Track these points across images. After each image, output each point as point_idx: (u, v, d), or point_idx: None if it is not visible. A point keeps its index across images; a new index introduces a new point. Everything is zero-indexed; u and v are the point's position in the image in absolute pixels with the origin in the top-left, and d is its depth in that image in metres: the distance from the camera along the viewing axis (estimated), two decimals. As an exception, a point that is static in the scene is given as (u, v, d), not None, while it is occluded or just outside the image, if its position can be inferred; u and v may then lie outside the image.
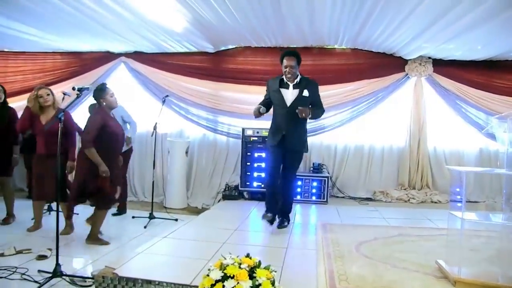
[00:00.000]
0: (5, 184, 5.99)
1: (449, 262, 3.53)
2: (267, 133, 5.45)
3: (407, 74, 7.80)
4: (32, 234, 5.37)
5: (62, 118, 3.98)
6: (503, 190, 3.64)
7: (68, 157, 5.48)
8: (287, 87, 5.12)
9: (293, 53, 5.12)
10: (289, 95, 5.09)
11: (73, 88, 4.41)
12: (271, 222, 5.14)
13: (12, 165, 6.03)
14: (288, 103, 5.07)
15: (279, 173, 5.23)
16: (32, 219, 5.81)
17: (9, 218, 5.95)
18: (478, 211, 3.89)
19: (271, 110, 5.30)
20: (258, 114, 5.06)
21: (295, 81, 5.09)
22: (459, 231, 3.41)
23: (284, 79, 5.11)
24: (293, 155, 5.21)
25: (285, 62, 5.03)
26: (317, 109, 5.19)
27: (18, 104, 7.88)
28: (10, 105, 6.25)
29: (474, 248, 4.13)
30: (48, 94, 5.42)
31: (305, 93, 5.06)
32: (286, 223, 5.31)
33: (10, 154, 5.93)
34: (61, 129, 4.01)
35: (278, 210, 5.23)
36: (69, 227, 5.51)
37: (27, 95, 8.06)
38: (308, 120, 7.77)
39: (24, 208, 6.44)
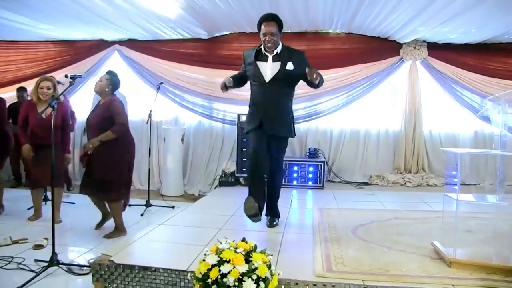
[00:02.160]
0: None
1: (445, 244, 3.54)
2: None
3: (402, 58, 7.78)
4: (28, 224, 5.37)
5: (55, 106, 3.95)
6: (497, 172, 3.65)
7: (64, 149, 5.46)
8: (265, 59, 4.27)
9: (273, 17, 4.22)
10: (268, 68, 4.25)
11: (66, 76, 4.37)
12: (255, 215, 4.05)
13: (3, 157, 6.01)
14: (267, 78, 4.23)
15: (265, 153, 4.30)
16: (28, 209, 5.86)
17: None
18: (473, 193, 3.90)
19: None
20: (224, 88, 4.25)
21: (275, 51, 4.25)
22: (454, 213, 3.42)
23: (262, 49, 4.30)
24: (276, 142, 4.39)
25: (263, 28, 4.17)
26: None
27: (13, 94, 7.85)
28: (4, 95, 6.20)
29: (469, 229, 4.16)
30: (49, 88, 5.30)
31: (290, 66, 4.19)
32: (276, 221, 4.63)
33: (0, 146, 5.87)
34: (54, 117, 3.99)
35: (268, 207, 4.57)
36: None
37: (19, 85, 8.12)
38: (303, 105, 7.86)
39: (18, 199, 6.48)
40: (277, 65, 4.22)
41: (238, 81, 4.47)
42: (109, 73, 5.07)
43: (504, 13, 5.71)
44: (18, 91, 7.64)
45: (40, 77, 5.46)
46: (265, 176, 4.40)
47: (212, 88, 7.94)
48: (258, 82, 4.30)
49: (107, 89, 4.94)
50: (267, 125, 4.26)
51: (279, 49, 4.27)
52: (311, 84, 4.16)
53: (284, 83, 4.28)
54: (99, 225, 5.25)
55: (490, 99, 3.87)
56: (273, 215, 4.65)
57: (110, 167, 4.84)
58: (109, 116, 4.84)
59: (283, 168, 4.94)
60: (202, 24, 7.18)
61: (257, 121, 4.30)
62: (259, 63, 4.29)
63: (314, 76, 3.94)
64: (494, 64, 7.61)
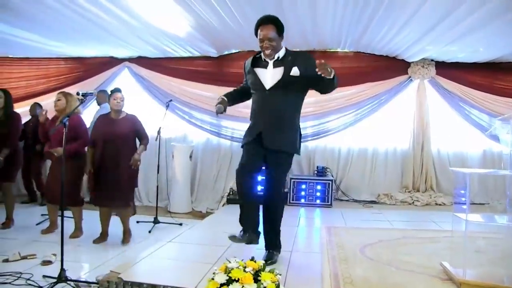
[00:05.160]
0: (7, 189, 6.00)
1: (454, 264, 3.52)
2: None
3: (410, 77, 7.81)
4: (37, 239, 5.36)
5: (67, 123, 3.99)
6: (507, 191, 3.64)
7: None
8: (265, 65, 3.76)
9: (271, 19, 3.68)
10: (268, 75, 3.72)
11: (77, 94, 4.44)
12: (249, 241, 3.73)
13: (14, 171, 6.07)
14: (267, 85, 3.71)
15: (255, 174, 3.81)
16: (37, 224, 5.92)
17: (9, 222, 5.95)
18: (482, 213, 3.88)
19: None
20: (219, 110, 3.78)
21: (276, 56, 3.73)
22: (463, 233, 3.40)
23: (262, 55, 3.79)
24: (276, 158, 3.76)
25: (260, 33, 3.67)
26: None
27: (23, 110, 7.94)
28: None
29: (478, 249, 4.12)
30: (59, 100, 5.42)
31: (295, 71, 3.64)
32: (275, 257, 3.88)
33: (11, 160, 5.87)
34: (65, 133, 4.03)
35: (265, 239, 3.96)
36: (79, 230, 5.60)
37: (31, 100, 8.23)
38: (312, 123, 7.87)
39: (28, 214, 6.52)
40: (280, 70, 3.69)
41: (240, 95, 4.13)
42: (120, 90, 5.35)
43: (512, 33, 5.74)
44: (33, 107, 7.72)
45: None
46: (255, 195, 3.83)
47: (221, 106, 7.98)
48: (258, 90, 3.81)
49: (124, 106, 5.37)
50: (267, 138, 3.71)
51: (281, 53, 3.75)
52: (323, 87, 3.65)
53: (289, 90, 3.73)
54: (97, 241, 5.31)
55: (499, 119, 3.88)
56: (272, 249, 3.94)
57: (131, 176, 5.40)
58: (134, 130, 5.45)
59: (283, 192, 4.16)
60: (211, 42, 7.26)
61: (254, 133, 3.80)
62: (258, 70, 3.80)
63: (327, 70, 3.34)
64: (502, 83, 7.60)
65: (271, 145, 3.70)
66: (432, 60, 7.68)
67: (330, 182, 7.33)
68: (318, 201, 7.31)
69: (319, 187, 7.33)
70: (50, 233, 5.60)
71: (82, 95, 4.32)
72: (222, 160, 8.30)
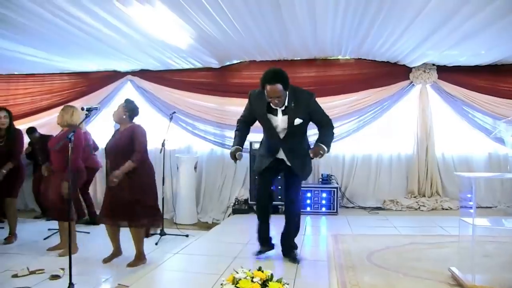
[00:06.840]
0: (10, 205, 5.97)
1: (462, 269, 3.51)
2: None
3: (411, 82, 7.81)
4: (45, 254, 5.33)
5: (72, 138, 4.00)
6: (513, 195, 3.63)
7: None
8: (275, 113, 4.16)
9: (277, 77, 3.92)
10: (279, 123, 4.18)
11: (82, 109, 4.46)
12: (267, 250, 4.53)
13: (17, 186, 6.05)
14: (281, 134, 4.22)
15: (270, 200, 4.56)
16: (44, 239, 5.93)
17: (12, 237, 5.93)
18: (489, 217, 3.87)
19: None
20: (234, 159, 4.27)
21: (283, 105, 4.09)
22: (471, 238, 3.39)
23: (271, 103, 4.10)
24: (296, 180, 4.41)
25: (268, 90, 3.94)
26: (326, 134, 4.27)
27: (29, 125, 7.99)
28: (20, 127, 6.28)
29: (487, 254, 4.11)
30: (62, 115, 5.32)
31: (297, 121, 4.11)
32: (294, 253, 4.41)
33: (14, 176, 5.88)
34: (71, 148, 4.04)
35: (285, 242, 4.45)
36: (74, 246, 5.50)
37: (35, 116, 8.30)
38: (315, 131, 7.81)
39: (35, 228, 6.53)
40: (286, 119, 4.14)
41: (245, 136, 4.51)
42: (126, 101, 5.08)
43: (513, 34, 5.73)
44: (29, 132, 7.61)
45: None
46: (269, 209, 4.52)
47: (224, 116, 8.01)
48: (272, 134, 4.27)
49: (124, 117, 4.95)
50: (286, 163, 4.28)
51: (286, 101, 4.08)
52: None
53: (297, 132, 4.24)
54: (108, 259, 5.04)
55: (503, 122, 3.89)
56: (288, 247, 4.44)
57: (131, 193, 4.79)
58: (130, 142, 4.84)
59: (300, 199, 4.80)
60: (213, 54, 7.29)
61: (271, 158, 4.33)
62: (271, 117, 4.20)
63: (319, 154, 4.04)
64: (505, 85, 7.57)
65: (292, 168, 4.29)
66: (433, 64, 7.68)
67: (335, 189, 7.32)
68: (323, 209, 7.29)
69: (324, 195, 7.32)
70: (57, 250, 5.44)
71: (87, 110, 4.34)
72: (226, 170, 8.30)
